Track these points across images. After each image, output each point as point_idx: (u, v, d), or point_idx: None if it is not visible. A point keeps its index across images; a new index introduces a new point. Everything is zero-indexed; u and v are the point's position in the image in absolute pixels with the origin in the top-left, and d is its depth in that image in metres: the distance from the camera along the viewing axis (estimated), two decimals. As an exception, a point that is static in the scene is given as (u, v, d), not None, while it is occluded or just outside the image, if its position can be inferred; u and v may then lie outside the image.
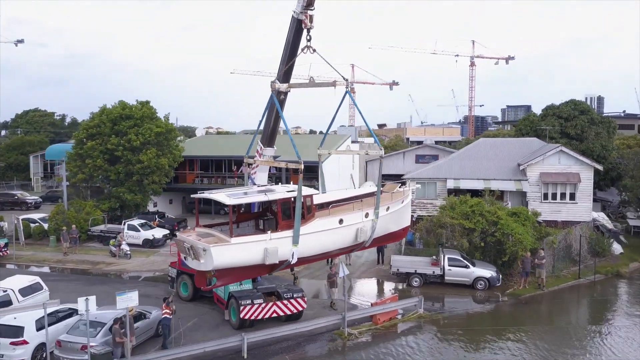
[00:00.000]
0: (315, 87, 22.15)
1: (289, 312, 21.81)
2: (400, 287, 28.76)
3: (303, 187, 20.06)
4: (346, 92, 21.70)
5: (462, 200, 31.64)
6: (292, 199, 19.67)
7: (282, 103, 23.26)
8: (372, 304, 23.30)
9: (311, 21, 21.12)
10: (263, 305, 21.29)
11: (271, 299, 21.85)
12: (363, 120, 23.53)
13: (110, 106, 41.98)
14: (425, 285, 28.51)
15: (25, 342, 17.82)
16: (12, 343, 17.65)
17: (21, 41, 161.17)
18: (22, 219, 39.38)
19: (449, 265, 28.20)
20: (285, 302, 21.82)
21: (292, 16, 21.44)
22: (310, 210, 20.21)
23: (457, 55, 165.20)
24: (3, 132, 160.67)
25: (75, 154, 39.94)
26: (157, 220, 38.93)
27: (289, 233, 19.24)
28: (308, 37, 21.60)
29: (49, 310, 17.71)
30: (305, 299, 22.43)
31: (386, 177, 59.07)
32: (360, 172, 60.44)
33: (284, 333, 20.50)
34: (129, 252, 33.75)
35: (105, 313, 18.96)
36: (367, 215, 21.26)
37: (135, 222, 36.80)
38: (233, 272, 19.14)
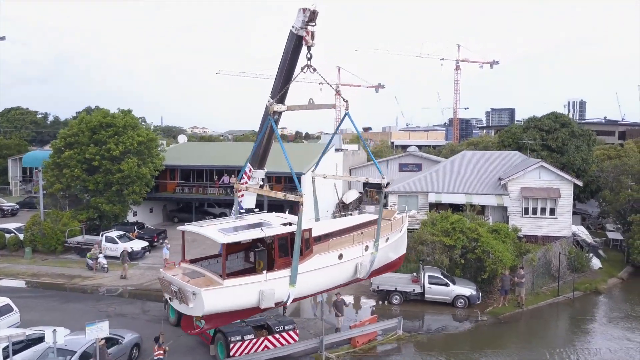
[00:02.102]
0: (315, 108, 21.13)
1: (279, 346, 20.82)
2: (379, 305, 28.63)
3: (292, 219, 19.21)
4: (346, 114, 20.65)
5: (443, 216, 31.62)
6: (291, 234, 17.98)
7: (276, 122, 22.47)
8: (350, 326, 23.05)
9: (313, 38, 19.50)
10: (254, 341, 20.27)
11: (262, 333, 20.88)
12: (363, 144, 22.70)
13: (102, 109, 41.41)
14: (405, 303, 28.41)
15: (-9, 371, 17.29)
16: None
17: (2, 38, 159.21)
18: (-4, 229, 38.53)
19: (429, 283, 28.14)
20: (277, 335, 20.87)
21: (291, 31, 19.95)
22: (308, 246, 18.59)
23: (443, 59, 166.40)
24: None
25: (53, 163, 39.13)
26: (136, 231, 38.31)
27: (286, 272, 17.55)
28: (308, 55, 19.91)
29: (15, 339, 17.15)
30: (297, 331, 21.53)
31: (369, 186, 59.39)
32: (344, 182, 60.24)
33: (260, 358, 20.13)
34: (106, 266, 33.08)
35: (76, 339, 18.44)
36: (366, 248, 20.28)
37: (113, 233, 36.16)
38: (225, 315, 17.50)
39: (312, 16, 19.04)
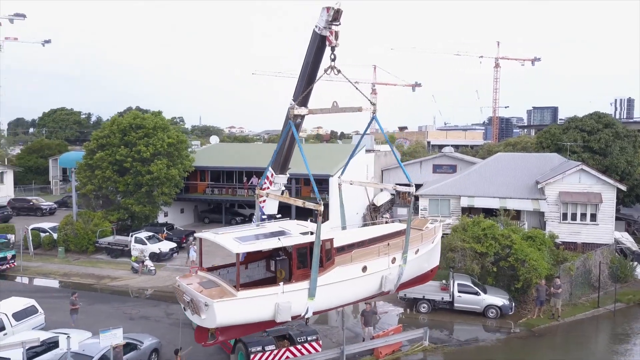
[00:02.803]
0: (339, 112, 19.91)
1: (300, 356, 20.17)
2: (407, 312, 27.70)
3: (312, 227, 18.18)
4: (372, 118, 19.87)
5: (475, 221, 30.36)
6: (310, 244, 17.05)
7: (298, 126, 21.87)
8: (373, 336, 22.27)
9: (336, 38, 18.90)
10: (275, 351, 19.64)
11: (283, 343, 20.16)
12: (391, 149, 21.65)
13: (133, 110, 42.01)
14: (433, 312, 27.40)
15: (10, 375, 17.39)
16: (-2, 374, 17.24)
17: (48, 41, 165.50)
18: (32, 229, 39.50)
19: (459, 292, 27.04)
20: (299, 346, 20.17)
21: (314, 31, 19.48)
22: (329, 257, 17.68)
23: (482, 57, 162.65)
24: (31, 130, 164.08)
25: (85, 164, 39.83)
26: (165, 232, 38.54)
27: (304, 284, 16.74)
28: (332, 57, 19.24)
29: (30, 345, 17.19)
30: (320, 341, 20.76)
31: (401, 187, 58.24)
32: (374, 181, 59.24)
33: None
34: (153, 269, 32.92)
35: (94, 344, 18.36)
36: (394, 260, 19.16)
37: (143, 234, 36.44)
38: (240, 327, 16.99)
39: (336, 15, 18.37)
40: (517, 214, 35.49)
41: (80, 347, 18.04)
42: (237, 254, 16.35)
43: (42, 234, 39.34)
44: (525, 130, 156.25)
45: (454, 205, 36.54)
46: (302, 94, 19.95)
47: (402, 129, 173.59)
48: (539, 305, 26.99)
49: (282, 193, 22.80)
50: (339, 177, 23.19)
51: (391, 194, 60.18)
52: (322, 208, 15.94)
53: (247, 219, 49.45)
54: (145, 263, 33.04)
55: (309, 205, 16.71)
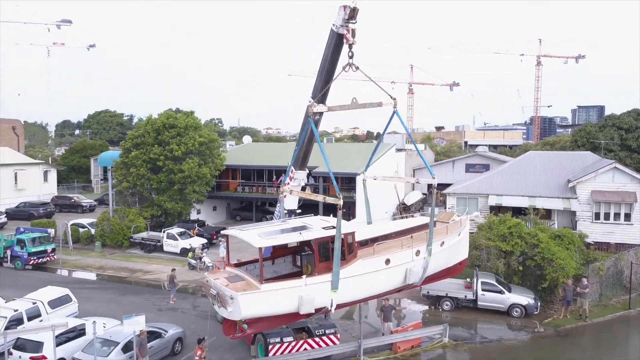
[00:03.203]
0: (359, 108, 19.99)
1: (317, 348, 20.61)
2: (430, 310, 27.67)
3: (343, 222, 18.31)
4: (394, 112, 19.68)
5: (501, 219, 30.03)
6: (331, 237, 17.25)
7: (317, 123, 22.06)
8: (392, 331, 22.43)
9: (353, 35, 18.89)
10: (293, 343, 20.21)
11: (301, 335, 20.70)
12: (412, 142, 21.47)
13: (167, 111, 43.44)
14: (457, 310, 27.28)
15: (44, 357, 18.44)
16: (31, 358, 18.32)
17: (93, 46, 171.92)
18: (72, 224, 41.37)
19: (483, 290, 26.83)
20: (317, 339, 20.68)
21: (331, 29, 19.66)
22: (351, 250, 17.91)
23: (522, 55, 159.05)
24: (77, 132, 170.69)
25: (121, 163, 41.40)
26: (196, 229, 39.62)
27: (327, 277, 16.96)
28: (350, 54, 19.25)
29: (61, 330, 18.20)
30: (339, 335, 21.21)
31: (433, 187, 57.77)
32: (406, 183, 58.98)
33: (298, 359, 20.07)
34: (210, 265, 33.15)
35: (120, 331, 19.26)
36: (418, 253, 19.14)
37: (174, 230, 37.63)
38: (267, 319, 17.44)
39: (352, 13, 18.46)
40: (547, 214, 34.82)
41: (107, 334, 19.02)
42: (260, 249, 16.76)
43: (81, 229, 41.13)
44: (570, 129, 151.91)
45: (482, 203, 36.14)
46: (321, 91, 20.17)
47: (439, 128, 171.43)
48: (565, 305, 26.50)
49: (304, 189, 23.20)
50: (362, 173, 23.17)
51: (422, 193, 59.79)
52: (341, 202, 16.24)
53: (262, 222, 50.35)
54: (202, 259, 33.74)
55: (330, 200, 17.09)
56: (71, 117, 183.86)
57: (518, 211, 34.54)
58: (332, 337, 20.88)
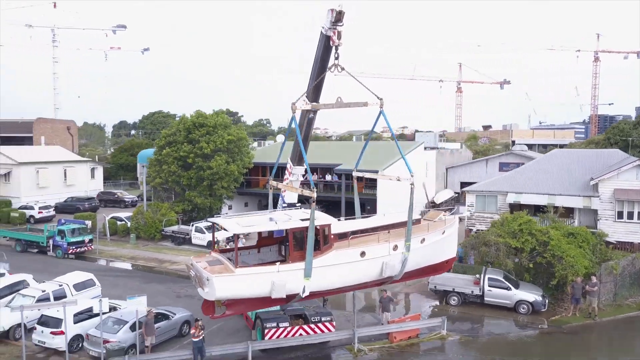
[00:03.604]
0: (344, 107, 20.59)
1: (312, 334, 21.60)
2: (437, 304, 28.10)
3: (322, 215, 19.57)
4: (380, 112, 20.24)
5: (515, 216, 30.02)
6: (306, 228, 18.03)
7: (311, 121, 23.05)
8: (388, 322, 23.14)
9: (339, 38, 19.67)
10: (289, 328, 21.20)
11: (298, 322, 21.67)
12: (394, 139, 21.98)
13: (198, 110, 45.63)
14: (464, 305, 27.59)
15: (62, 332, 20.43)
16: (52, 332, 20.34)
17: (147, 49, 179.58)
18: (111, 217, 44.20)
19: (489, 286, 27.02)
20: (313, 325, 21.60)
21: (321, 32, 20.51)
22: (327, 241, 18.78)
23: (579, 51, 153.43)
24: (132, 132, 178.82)
25: (155, 160, 43.85)
26: (223, 223, 41.38)
27: (300, 265, 17.88)
28: (336, 55, 20.08)
29: (76, 309, 20.14)
30: (334, 323, 22.08)
31: (466, 185, 57.32)
32: (437, 180, 58.95)
33: (291, 343, 21.15)
34: None
35: (131, 312, 21.01)
36: (395, 247, 19.68)
37: (202, 224, 39.59)
38: (244, 302, 18.64)
39: (338, 16, 19.17)
40: (568, 212, 34.32)
41: (118, 314, 20.85)
42: (235, 235, 18.11)
43: (119, 222, 43.89)
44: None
45: (502, 201, 36.00)
46: (314, 91, 21.13)
47: (486, 127, 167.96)
48: (574, 303, 26.30)
49: (302, 184, 24.22)
50: (355, 170, 23.82)
51: (455, 192, 59.46)
52: (315, 195, 17.29)
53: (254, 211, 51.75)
54: None
55: (306, 192, 18.00)
56: (128, 118, 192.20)
57: (539, 209, 34.29)
58: (327, 324, 21.80)
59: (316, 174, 46.46)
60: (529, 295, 26.50)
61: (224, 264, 18.32)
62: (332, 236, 18.99)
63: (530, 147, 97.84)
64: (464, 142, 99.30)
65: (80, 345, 20.71)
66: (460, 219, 30.10)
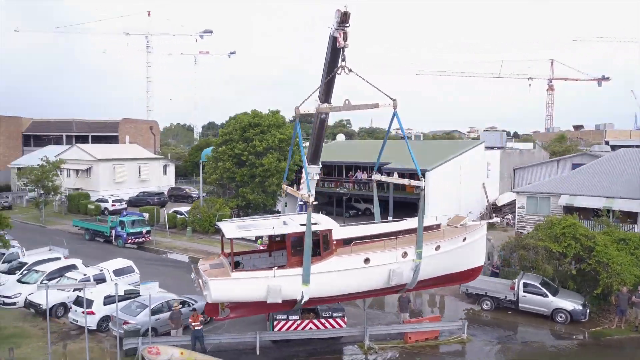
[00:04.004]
0: (352, 110, 19.97)
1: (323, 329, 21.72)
2: (470, 308, 27.06)
3: (325, 220, 19.41)
4: (394, 114, 19.59)
5: (560, 219, 28.14)
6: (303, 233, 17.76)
7: (323, 122, 22.61)
8: (404, 321, 22.70)
9: (345, 39, 18.89)
10: (298, 322, 21.41)
11: (309, 316, 21.76)
12: (405, 141, 20.71)
13: (254, 110, 47.25)
14: (497, 310, 26.38)
15: (92, 313, 22.21)
16: (83, 312, 22.13)
17: (233, 53, 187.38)
18: (172, 211, 46.93)
19: (524, 292, 25.61)
20: (323, 320, 21.66)
21: (330, 33, 19.79)
22: (328, 247, 18.51)
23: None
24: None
25: (212, 157, 45.92)
26: (272, 219, 42.48)
27: (297, 270, 17.75)
28: (342, 57, 19.40)
29: (107, 292, 21.82)
30: (345, 319, 22.01)
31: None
32: (502, 181, 56.29)
33: (301, 336, 21.41)
34: None
35: (156, 297, 22.40)
36: (405, 254, 19.00)
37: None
38: (246, 306, 18.69)
39: (344, 17, 18.47)
40: (629, 217, 31.56)
41: (141, 298, 22.26)
42: (230, 239, 18.23)
43: (179, 216, 46.48)
44: None
45: (554, 204, 33.82)
46: (325, 92, 20.41)
47: (577, 127, 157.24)
48: (619, 314, 24.28)
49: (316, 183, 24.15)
50: (375, 173, 23.35)
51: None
52: (312, 199, 17.37)
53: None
54: None
55: (305, 197, 17.95)
56: (216, 120, 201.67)
57: (595, 213, 31.87)
58: (338, 320, 21.81)
59: (366, 172, 46.30)
60: (567, 303, 24.79)
61: (223, 268, 18.70)
62: (333, 242, 18.71)
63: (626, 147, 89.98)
64: (542, 143, 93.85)
65: (107, 327, 22.34)
66: (497, 224, 28.66)
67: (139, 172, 61.91)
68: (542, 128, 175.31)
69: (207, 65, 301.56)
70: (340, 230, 19.51)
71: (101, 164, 57.97)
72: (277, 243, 21.09)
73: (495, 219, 23.79)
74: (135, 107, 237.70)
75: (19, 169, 56.89)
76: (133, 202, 56.53)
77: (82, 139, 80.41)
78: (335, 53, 19.63)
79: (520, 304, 25.68)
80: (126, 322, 20.78)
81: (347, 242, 19.28)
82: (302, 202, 24.48)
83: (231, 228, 18.85)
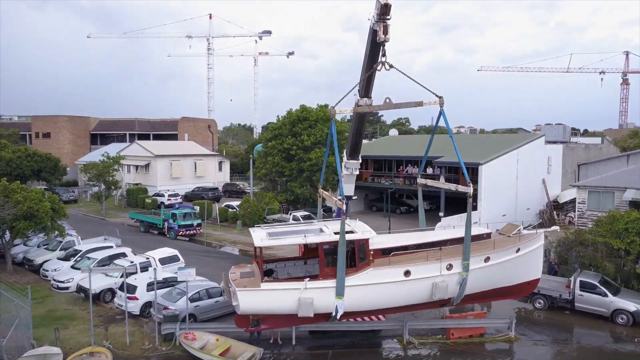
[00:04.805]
0: (393, 108, 18.79)
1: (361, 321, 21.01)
2: (522, 307, 25.54)
3: (362, 227, 18.50)
4: (440, 112, 18.59)
5: (627, 214, 26.06)
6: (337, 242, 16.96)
7: (363, 116, 21.50)
8: (445, 317, 21.68)
9: (386, 33, 17.55)
10: None
11: None
12: (452, 142, 19.17)
13: (303, 105, 47.33)
14: (552, 310, 24.75)
15: (136, 299, 22.76)
16: (127, 297, 22.70)
17: (292, 53, 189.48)
18: (224, 206, 47.74)
19: (581, 290, 23.85)
20: None
21: (370, 26, 18.71)
22: (364, 257, 17.74)
23: None
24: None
25: (262, 152, 46.29)
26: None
27: (331, 282, 17.01)
28: (383, 52, 18.23)
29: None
30: None
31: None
32: (565, 178, 53.13)
33: (338, 328, 20.88)
34: None
35: (195, 285, 22.67)
36: (450, 267, 18.06)
37: (299, 213, 40.86)
38: (279, 317, 18.11)
39: (384, 9, 17.21)
40: None
41: (183, 286, 22.55)
42: (259, 248, 17.90)
43: (230, 210, 47.21)
44: None
45: (619, 199, 31.41)
46: (364, 87, 19.27)
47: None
48: (690, 318, 22.08)
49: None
50: (420, 176, 22.51)
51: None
52: (344, 206, 16.72)
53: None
54: None
55: (339, 203, 17.60)
56: (273, 119, 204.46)
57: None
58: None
59: (417, 166, 45.06)
60: (630, 304, 22.85)
61: (254, 278, 18.17)
62: (370, 252, 17.93)
63: None
64: (613, 140, 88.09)
65: (148, 312, 22.80)
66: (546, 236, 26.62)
67: (195, 168, 63.56)
68: (616, 125, 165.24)
69: (266, 65, 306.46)
70: (378, 239, 18.69)
71: (159, 160, 59.97)
72: (313, 250, 20.30)
73: (555, 228, 22.16)
74: (197, 108, 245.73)
75: (84, 165, 59.91)
76: (188, 197, 58.04)
77: (144, 137, 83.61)
78: (375, 47, 18.42)
79: (576, 304, 23.96)
80: (166, 308, 21.10)
81: (385, 252, 18.50)
82: (340, 196, 23.89)
83: (261, 236, 18.25)
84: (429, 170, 44.65)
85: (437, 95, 18.31)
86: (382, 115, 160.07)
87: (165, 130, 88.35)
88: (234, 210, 47.08)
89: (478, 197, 38.55)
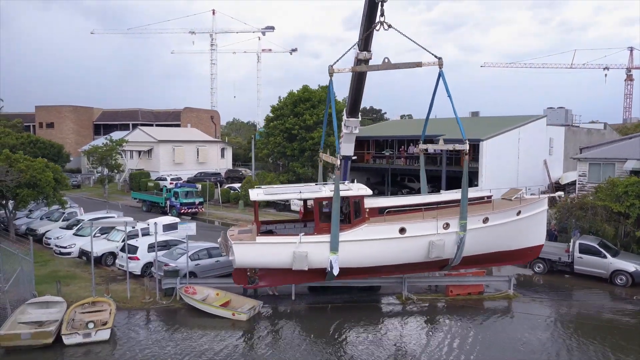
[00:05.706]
0: (392, 69, 18.59)
1: None
2: (522, 272, 25.64)
3: (358, 186, 18.68)
4: (439, 74, 18.28)
5: (627, 179, 26.13)
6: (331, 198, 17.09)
7: (362, 75, 21.21)
8: (445, 274, 21.79)
9: None
10: None
11: None
12: (451, 103, 18.42)
13: (305, 85, 47.43)
14: (550, 273, 24.88)
15: (137, 259, 22.97)
16: (129, 257, 22.91)
17: (295, 50, 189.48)
18: (227, 187, 47.98)
19: (580, 252, 23.93)
20: None
21: None
22: (359, 214, 17.77)
23: None
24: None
25: (264, 132, 46.47)
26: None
27: (324, 238, 17.09)
28: (381, 12, 18.08)
29: (150, 240, 22.57)
30: None
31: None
32: (567, 161, 53.04)
33: (338, 284, 20.94)
34: None
35: (193, 245, 22.90)
36: (446, 226, 17.92)
37: (301, 192, 41.03)
38: (276, 274, 18.36)
39: None
40: None
41: (183, 246, 22.73)
42: (255, 202, 18.18)
43: (232, 191, 47.42)
44: None
45: (619, 169, 31.41)
46: (363, 42, 19.45)
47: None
48: (689, 277, 22.12)
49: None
50: (420, 143, 22.45)
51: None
52: (339, 162, 16.81)
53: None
54: None
55: (333, 160, 17.79)
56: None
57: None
58: None
59: (415, 145, 45.12)
60: (629, 264, 22.95)
61: (250, 233, 18.41)
62: (366, 209, 17.97)
63: None
64: (608, 125, 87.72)
65: (149, 273, 22.99)
66: (559, 198, 26.65)
67: (197, 154, 63.80)
68: (619, 121, 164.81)
69: (268, 63, 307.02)
70: (375, 200, 18.80)
71: (161, 145, 60.23)
72: (312, 212, 20.06)
73: (559, 193, 22.15)
74: (200, 105, 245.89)
75: (87, 149, 60.22)
76: (191, 182, 58.22)
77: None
78: (372, 7, 18.23)
79: (575, 266, 24.05)
80: (167, 265, 21.29)
81: (382, 211, 18.54)
82: (342, 156, 23.84)
83: (257, 192, 18.60)
84: (430, 151, 44.69)
85: (436, 56, 18.15)
86: (385, 113, 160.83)
87: (168, 121, 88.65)
88: (236, 191, 47.29)
89: (479, 173, 38.60)
